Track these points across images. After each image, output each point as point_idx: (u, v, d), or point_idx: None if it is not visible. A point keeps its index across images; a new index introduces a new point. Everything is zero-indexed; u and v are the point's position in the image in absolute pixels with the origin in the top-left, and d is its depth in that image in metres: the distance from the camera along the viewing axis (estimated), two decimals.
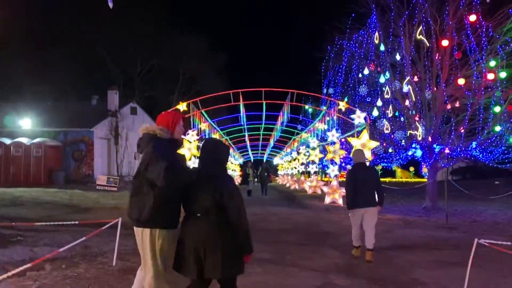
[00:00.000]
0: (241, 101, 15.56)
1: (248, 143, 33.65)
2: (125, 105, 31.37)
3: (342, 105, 14.47)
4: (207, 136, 19.37)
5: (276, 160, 52.12)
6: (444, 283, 5.84)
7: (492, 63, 15.27)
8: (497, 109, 15.71)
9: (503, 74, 15.34)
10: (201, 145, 3.96)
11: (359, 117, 13.98)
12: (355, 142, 13.72)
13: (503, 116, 15.86)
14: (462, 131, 16.18)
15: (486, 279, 5.84)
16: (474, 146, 16.54)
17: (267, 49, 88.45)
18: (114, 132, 28.91)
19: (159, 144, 3.61)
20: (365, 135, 13.70)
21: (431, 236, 9.82)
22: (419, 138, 15.30)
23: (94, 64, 38.03)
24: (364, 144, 13.60)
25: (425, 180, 50.13)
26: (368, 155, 13.57)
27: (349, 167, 21.62)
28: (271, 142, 33.38)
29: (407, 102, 16.31)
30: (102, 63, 39.03)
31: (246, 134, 26.58)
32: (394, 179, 44.85)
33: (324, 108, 17.32)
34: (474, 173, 32.56)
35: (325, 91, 20.96)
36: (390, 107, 15.40)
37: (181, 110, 14.70)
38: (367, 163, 10.39)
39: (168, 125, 3.83)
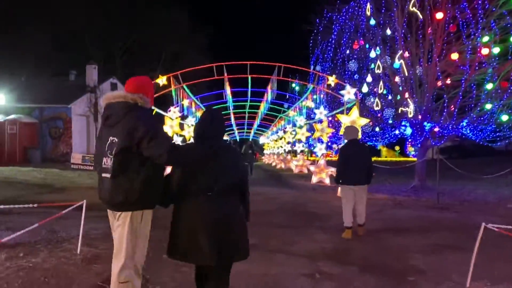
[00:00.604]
0: (225, 75, 14.64)
1: (233, 121, 32.80)
2: (104, 81, 30.11)
3: (332, 80, 13.76)
4: (189, 114, 18.55)
5: (262, 139, 51.51)
6: (443, 271, 5.30)
7: (486, 39, 14.71)
8: (489, 86, 15.24)
9: (496, 50, 14.77)
10: (201, 115, 3.56)
11: (349, 92, 13.32)
12: (345, 120, 13.10)
13: (495, 93, 15.43)
14: (454, 108, 15.74)
15: (489, 266, 5.32)
16: (465, 124, 16.13)
17: (252, 22, 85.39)
18: (93, 109, 27.77)
19: (146, 115, 3.19)
20: (355, 111, 13.08)
21: (422, 216, 9.37)
22: (410, 116, 14.75)
23: (72, 39, 36.39)
24: (354, 121, 12.98)
25: (410, 159, 50.54)
26: (358, 131, 12.96)
27: (335, 146, 21.22)
28: (257, 121, 32.59)
29: (397, 78, 15.70)
30: (81, 38, 37.41)
31: (231, 111, 25.57)
32: (379, 158, 44.75)
33: (312, 85, 16.55)
34: (461, 151, 32.43)
35: (312, 68, 20.21)
36: (381, 83, 14.75)
37: (161, 84, 13.80)
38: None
39: (146, 92, 3.29)
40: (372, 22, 15.68)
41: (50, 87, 28.38)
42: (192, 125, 15.34)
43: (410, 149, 58.17)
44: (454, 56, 14.41)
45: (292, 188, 16.10)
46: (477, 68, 15.12)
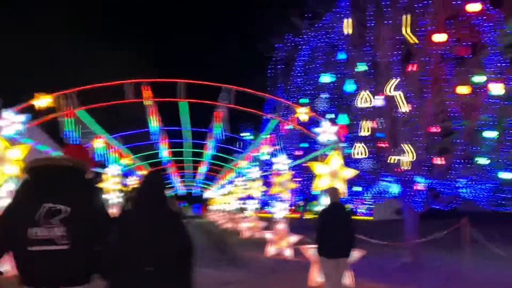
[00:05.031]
0: (147, 95, 9.77)
1: (172, 172, 27.68)
2: None
3: (303, 113, 9.62)
4: (98, 158, 13.62)
5: (207, 194, 46.38)
6: None
7: (477, 79, 11.52)
8: (490, 134, 11.93)
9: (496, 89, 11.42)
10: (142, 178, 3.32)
11: (326, 131, 9.19)
12: (322, 170, 8.87)
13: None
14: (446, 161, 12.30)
15: None
16: (463, 182, 12.62)
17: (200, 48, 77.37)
18: None
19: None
20: (336, 159, 8.91)
21: None
22: (405, 167, 10.86)
23: None
24: (335, 172, 8.79)
25: (362, 218, 47.61)
26: (343, 189, 8.75)
27: (300, 203, 17.16)
28: (202, 171, 27.68)
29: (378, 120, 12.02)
30: None
31: (165, 157, 20.33)
32: None
33: (274, 118, 12.25)
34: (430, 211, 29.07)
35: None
36: (365, 123, 10.92)
37: (44, 105, 8.96)
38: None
39: (86, 158, 3.17)
40: (342, 56, 12.11)
41: None
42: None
43: (362, 208, 55.74)
44: (462, 89, 10.92)
45: (242, 267, 11.37)
46: (481, 110, 11.85)
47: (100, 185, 15.16)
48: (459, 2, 11.14)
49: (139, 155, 19.71)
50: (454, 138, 12.53)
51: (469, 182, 12.62)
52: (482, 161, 12.32)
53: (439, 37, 10.80)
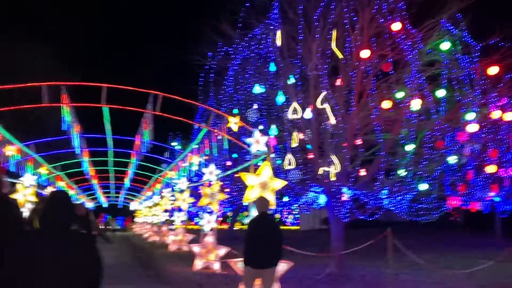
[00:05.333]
0: (65, 101, 8.97)
1: (94, 182, 26.10)
2: None
3: (234, 122, 9.43)
4: (12, 169, 12.36)
5: (134, 205, 44.47)
6: None
7: (399, 94, 12.14)
8: (409, 147, 12.55)
9: (416, 104, 12.05)
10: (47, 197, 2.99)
11: (258, 141, 9.09)
12: (252, 181, 8.72)
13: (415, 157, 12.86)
14: (368, 173, 12.76)
15: None
16: (385, 193, 13.16)
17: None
18: None
19: None
20: (266, 170, 8.81)
21: None
22: (333, 178, 11.06)
23: None
24: (265, 183, 8.68)
25: (290, 227, 48.33)
26: (272, 199, 8.65)
27: (229, 213, 16.83)
28: (128, 181, 26.43)
29: (306, 132, 12.15)
30: None
31: (86, 167, 19.09)
32: None
33: (204, 127, 11.87)
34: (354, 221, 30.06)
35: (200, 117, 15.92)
36: (295, 134, 10.99)
37: None
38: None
39: None
40: (272, 68, 12.15)
41: None
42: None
43: (290, 218, 56.70)
44: (386, 104, 11.39)
45: (167, 283, 10.82)
46: (404, 124, 12.43)
47: (13, 196, 13.80)
48: (382, 20, 11.69)
49: (57, 164, 18.25)
50: (377, 150, 13.03)
51: (390, 193, 13.20)
52: (402, 173, 12.95)
53: (364, 53, 11.20)
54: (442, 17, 11.24)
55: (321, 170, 11.06)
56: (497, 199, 20.24)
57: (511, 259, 11.49)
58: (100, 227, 33.93)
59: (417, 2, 11.75)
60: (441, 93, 12.14)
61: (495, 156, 16.39)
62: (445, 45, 11.52)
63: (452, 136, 13.10)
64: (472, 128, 12.03)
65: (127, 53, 71.84)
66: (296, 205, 13.89)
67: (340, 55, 11.79)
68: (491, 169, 15.53)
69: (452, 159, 12.71)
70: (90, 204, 40.52)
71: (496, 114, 12.85)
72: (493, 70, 11.84)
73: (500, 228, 23.92)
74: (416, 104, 11.63)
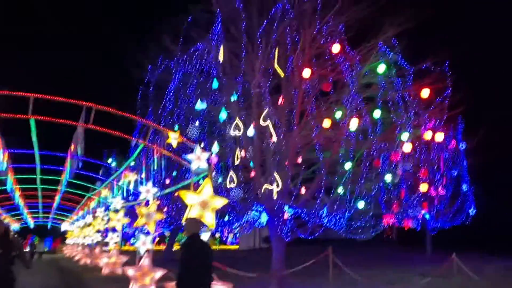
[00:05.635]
0: None
1: (21, 201, 24.10)
2: None
3: (174, 138, 9.04)
4: None
5: (65, 226, 41.75)
6: None
7: (338, 114, 12.45)
8: (347, 166, 12.83)
9: (353, 124, 12.35)
10: None
11: (199, 158, 8.76)
12: (192, 199, 8.35)
13: (353, 175, 13.15)
14: (307, 191, 12.83)
15: None
16: (325, 212, 13.30)
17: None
18: None
19: None
20: (207, 188, 8.49)
21: None
22: (274, 196, 10.94)
23: None
24: (206, 202, 8.35)
25: (230, 247, 47.62)
26: (212, 219, 8.33)
27: (167, 233, 16.11)
28: (58, 200, 24.68)
29: (249, 149, 12.01)
30: None
31: (11, 185, 17.55)
32: None
33: (141, 143, 11.28)
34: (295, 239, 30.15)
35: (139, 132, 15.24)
36: (237, 152, 10.79)
37: None
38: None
39: None
40: (215, 85, 12.00)
41: None
42: None
43: (230, 236, 56.07)
44: (326, 123, 11.53)
45: None
46: (342, 143, 12.67)
47: None
48: (323, 41, 11.96)
49: None
50: (317, 169, 13.15)
51: (330, 211, 13.33)
52: (341, 191, 13.15)
53: (305, 72, 11.34)
54: (379, 41, 11.68)
55: (263, 189, 10.88)
56: (427, 216, 21.22)
57: (446, 274, 11.94)
58: (25, 250, 31.25)
59: (354, 26, 12.17)
60: (377, 113, 12.57)
61: (426, 175, 17.26)
62: (381, 68, 11.98)
63: (387, 156, 13.58)
64: (407, 147, 12.50)
65: (62, 61, 68.23)
66: (238, 224, 13.53)
67: (282, 74, 11.86)
68: (423, 187, 16.21)
69: (388, 178, 13.09)
70: (15, 225, 37.49)
71: (428, 135, 13.48)
72: (425, 93, 12.46)
73: (430, 245, 25.01)
74: (353, 124, 11.93)
